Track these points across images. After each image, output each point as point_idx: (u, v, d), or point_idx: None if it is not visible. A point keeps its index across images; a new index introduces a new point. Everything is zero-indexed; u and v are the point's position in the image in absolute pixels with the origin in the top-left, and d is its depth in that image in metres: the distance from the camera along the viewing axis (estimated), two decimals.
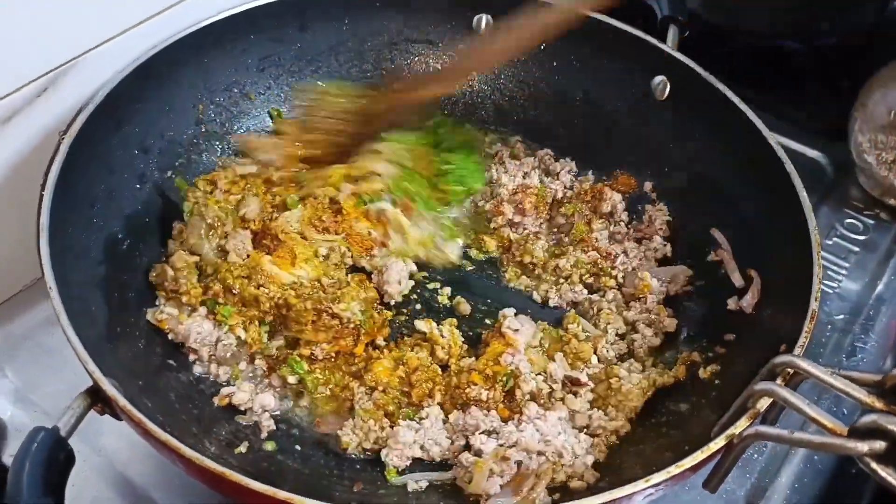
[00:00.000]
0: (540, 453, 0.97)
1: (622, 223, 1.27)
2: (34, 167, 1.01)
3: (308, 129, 1.24)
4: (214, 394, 1.04)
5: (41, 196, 0.96)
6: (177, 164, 1.21)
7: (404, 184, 1.20)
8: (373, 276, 1.17)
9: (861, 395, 0.78)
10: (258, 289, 1.08)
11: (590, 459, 0.98)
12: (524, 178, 1.30)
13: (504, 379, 1.03)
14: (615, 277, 1.20)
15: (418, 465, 1.01)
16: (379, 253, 1.17)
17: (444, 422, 1.03)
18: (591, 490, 0.94)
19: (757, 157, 1.14)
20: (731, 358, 1.06)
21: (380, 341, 1.10)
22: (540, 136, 1.37)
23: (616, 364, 1.10)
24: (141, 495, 1.02)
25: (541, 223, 1.27)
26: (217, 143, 1.26)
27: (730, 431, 0.85)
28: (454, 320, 1.13)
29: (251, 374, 1.07)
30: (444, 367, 1.08)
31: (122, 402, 0.83)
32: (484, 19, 1.35)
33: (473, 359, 1.08)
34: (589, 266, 1.20)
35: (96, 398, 0.85)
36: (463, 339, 1.11)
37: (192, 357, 1.07)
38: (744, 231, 1.16)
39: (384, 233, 1.18)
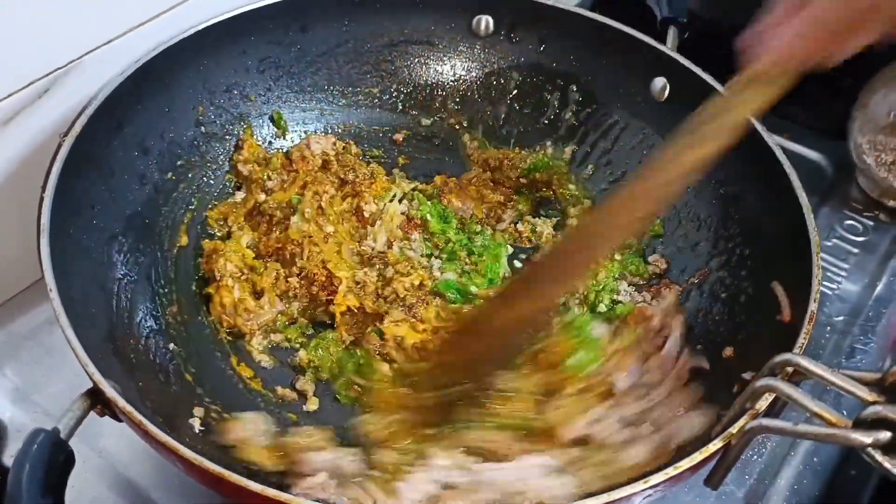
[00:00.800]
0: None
1: None
2: (35, 168, 1.01)
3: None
4: None
5: (42, 197, 0.96)
6: (177, 164, 1.21)
7: None
8: None
9: (862, 392, 0.77)
10: None
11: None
12: None
13: None
14: None
15: None
16: None
17: None
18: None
19: (756, 158, 1.14)
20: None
21: None
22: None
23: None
24: (141, 496, 1.02)
25: None
26: (217, 144, 1.27)
27: (729, 431, 0.84)
28: None
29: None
30: None
31: (122, 403, 0.83)
32: (484, 21, 1.35)
33: None
34: None
35: (96, 400, 0.84)
36: None
37: None
38: (744, 232, 1.16)
39: None
